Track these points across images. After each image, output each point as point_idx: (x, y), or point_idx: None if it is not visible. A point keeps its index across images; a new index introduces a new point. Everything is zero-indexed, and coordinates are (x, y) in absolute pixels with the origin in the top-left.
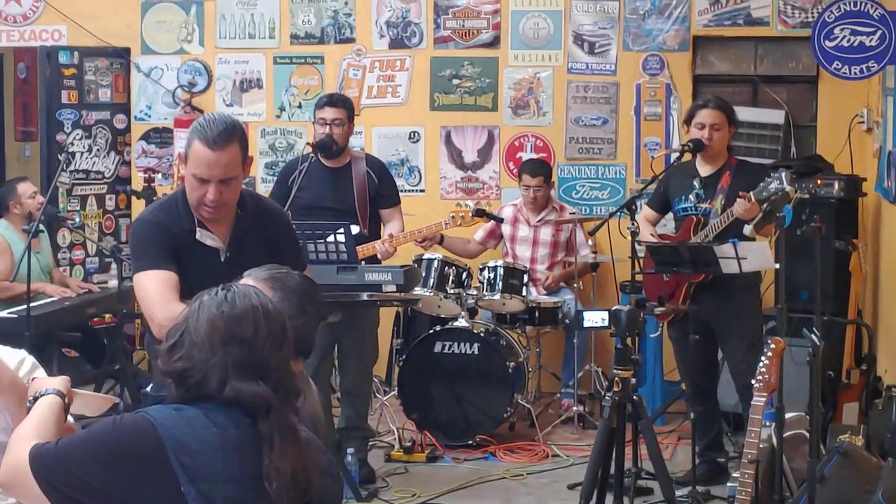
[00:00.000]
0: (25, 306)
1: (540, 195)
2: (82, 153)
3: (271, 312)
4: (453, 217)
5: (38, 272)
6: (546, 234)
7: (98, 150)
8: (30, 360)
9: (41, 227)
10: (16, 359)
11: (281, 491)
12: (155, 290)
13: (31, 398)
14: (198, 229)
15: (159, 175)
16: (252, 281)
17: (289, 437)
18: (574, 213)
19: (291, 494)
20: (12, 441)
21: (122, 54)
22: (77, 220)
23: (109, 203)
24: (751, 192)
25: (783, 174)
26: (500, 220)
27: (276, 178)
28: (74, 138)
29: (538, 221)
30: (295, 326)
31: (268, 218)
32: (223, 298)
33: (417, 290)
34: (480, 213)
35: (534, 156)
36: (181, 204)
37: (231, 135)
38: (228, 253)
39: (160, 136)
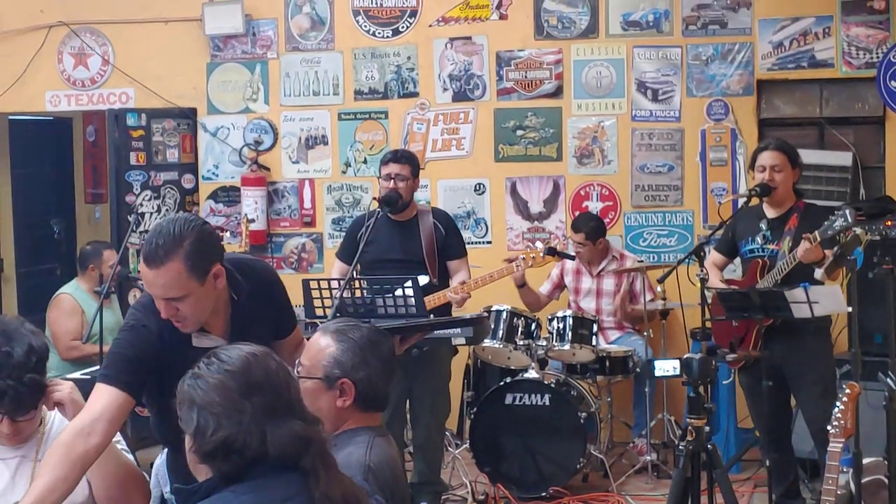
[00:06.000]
0: (98, 367)
1: (584, 251)
2: (151, 213)
3: (259, 353)
4: (524, 259)
5: (112, 330)
6: (609, 283)
7: (167, 210)
8: None
9: (113, 290)
10: None
11: None
12: (99, 408)
13: None
14: (194, 337)
15: (227, 233)
16: (320, 334)
17: (330, 463)
18: (641, 262)
19: None
20: None
21: (189, 115)
22: None
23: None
24: (815, 232)
25: (847, 211)
26: (571, 258)
27: (344, 234)
28: (143, 199)
29: (600, 271)
30: (359, 378)
31: (261, 286)
32: (214, 364)
33: (487, 342)
34: (552, 252)
35: (600, 205)
36: None
37: (171, 250)
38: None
39: (228, 195)
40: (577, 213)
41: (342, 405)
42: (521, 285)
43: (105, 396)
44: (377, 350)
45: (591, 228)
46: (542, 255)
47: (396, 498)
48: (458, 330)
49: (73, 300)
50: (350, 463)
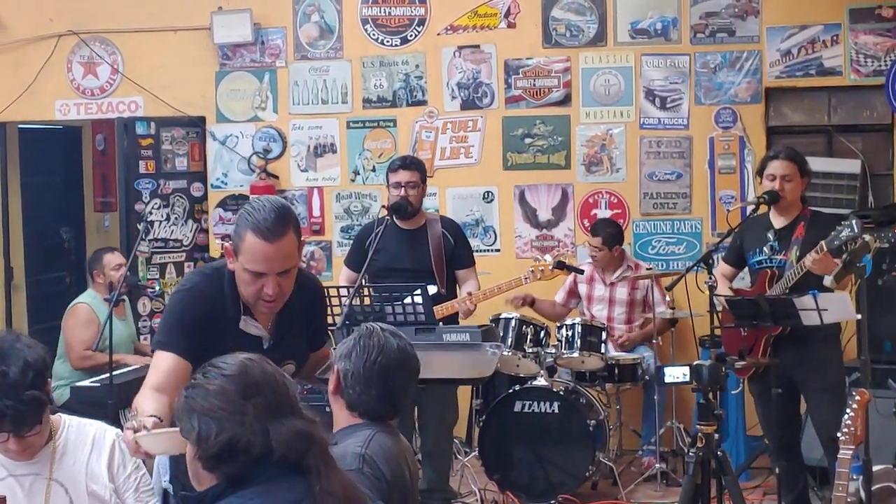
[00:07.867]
0: (108, 375)
1: (599, 255)
2: (160, 222)
3: (255, 358)
4: (533, 272)
5: (124, 340)
6: (622, 292)
7: (176, 218)
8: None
9: (123, 296)
10: (110, 438)
11: None
12: (163, 375)
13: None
14: (243, 317)
15: None
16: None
17: (330, 461)
18: (650, 269)
19: None
20: None
21: (198, 123)
22: (157, 288)
23: (188, 271)
24: (822, 242)
25: (853, 221)
26: (580, 272)
27: (352, 242)
28: (153, 207)
29: (614, 279)
30: (343, 369)
31: (306, 292)
32: (211, 372)
33: None
34: (561, 266)
35: (608, 212)
36: (228, 286)
37: (286, 222)
38: (272, 341)
39: (237, 203)
40: (596, 217)
41: (332, 388)
42: (532, 304)
43: (168, 361)
44: (369, 359)
45: (609, 234)
46: (550, 268)
47: (397, 495)
48: (467, 337)
49: (91, 309)
50: (346, 453)
